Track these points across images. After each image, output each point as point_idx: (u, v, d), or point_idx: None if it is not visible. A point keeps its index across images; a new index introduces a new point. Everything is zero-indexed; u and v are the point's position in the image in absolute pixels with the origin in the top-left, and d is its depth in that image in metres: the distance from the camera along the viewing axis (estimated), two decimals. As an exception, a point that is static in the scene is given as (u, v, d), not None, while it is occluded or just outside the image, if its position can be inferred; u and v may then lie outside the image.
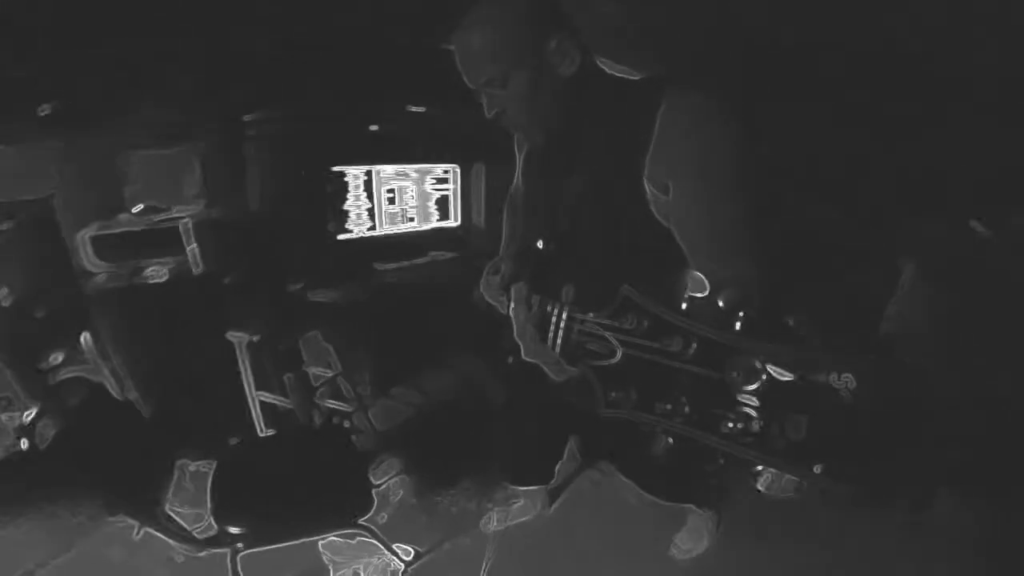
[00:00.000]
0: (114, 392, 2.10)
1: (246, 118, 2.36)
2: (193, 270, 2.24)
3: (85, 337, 2.08)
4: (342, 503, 1.61)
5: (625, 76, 0.97)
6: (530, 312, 0.77)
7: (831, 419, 0.42)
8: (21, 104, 1.90)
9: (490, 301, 1.15)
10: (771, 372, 0.45)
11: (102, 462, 1.45)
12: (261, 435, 2.35)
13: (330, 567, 1.84)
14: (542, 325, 0.74)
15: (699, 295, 0.52)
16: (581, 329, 0.67)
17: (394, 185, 2.78)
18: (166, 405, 2.17)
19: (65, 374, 2.12)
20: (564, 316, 0.70)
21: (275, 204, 2.46)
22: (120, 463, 1.47)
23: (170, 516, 1.59)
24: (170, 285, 2.19)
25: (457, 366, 2.78)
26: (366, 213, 2.71)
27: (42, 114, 1.91)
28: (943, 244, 2.06)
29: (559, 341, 0.71)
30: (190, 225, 2.20)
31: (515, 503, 2.01)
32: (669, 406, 0.52)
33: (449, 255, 2.90)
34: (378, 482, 2.24)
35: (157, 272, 2.21)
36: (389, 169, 2.72)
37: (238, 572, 1.46)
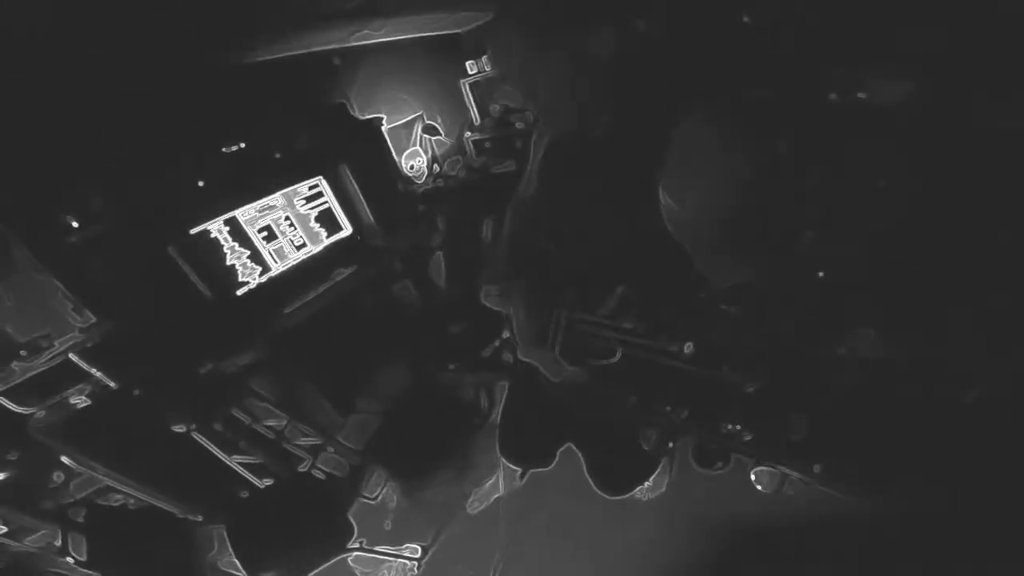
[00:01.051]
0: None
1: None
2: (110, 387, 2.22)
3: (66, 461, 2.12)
4: (330, 536, 1.80)
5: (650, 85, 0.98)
6: (529, 311, 0.75)
7: (831, 419, 0.44)
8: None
9: (495, 308, 1.21)
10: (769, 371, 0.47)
11: None
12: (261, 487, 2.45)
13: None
14: (542, 324, 0.70)
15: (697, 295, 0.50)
16: (581, 328, 0.62)
17: (266, 221, 2.69)
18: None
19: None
20: (564, 316, 0.65)
21: (151, 302, 2.37)
22: None
23: None
24: (96, 406, 2.19)
25: (401, 363, 2.89)
26: (249, 260, 2.65)
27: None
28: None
29: (559, 340, 0.64)
30: (77, 355, 2.15)
31: (487, 482, 2.18)
32: (669, 406, 0.55)
33: (348, 270, 2.89)
34: (372, 495, 2.41)
35: (79, 400, 2.19)
36: (251, 208, 2.63)
37: None
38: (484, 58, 3.51)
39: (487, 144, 3.75)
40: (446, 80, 3.64)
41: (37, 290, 2.31)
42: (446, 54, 3.52)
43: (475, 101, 3.75)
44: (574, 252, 1.01)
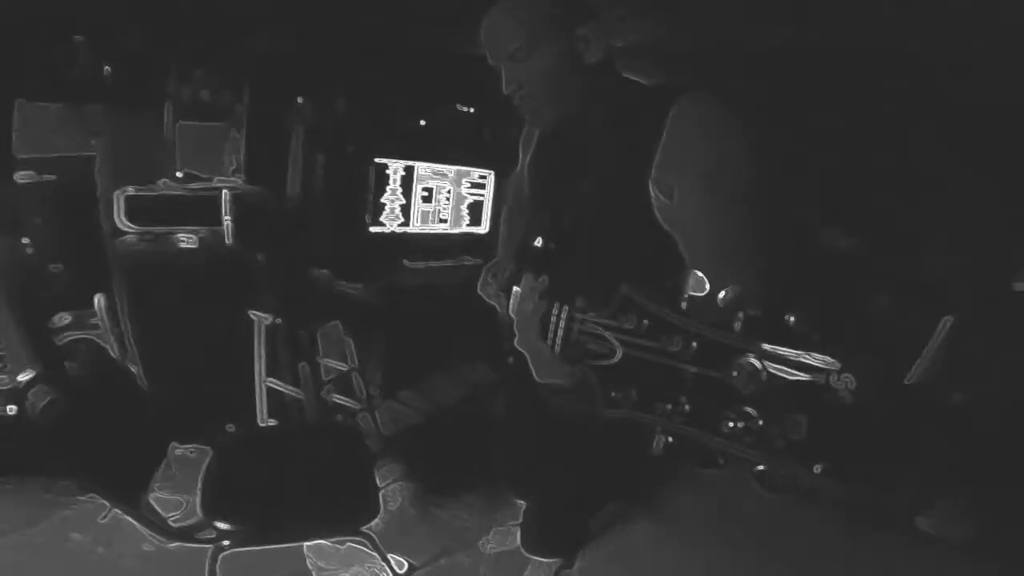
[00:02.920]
0: (114, 355, 2.04)
1: (298, 100, 2.35)
2: (224, 242, 2.21)
3: (99, 299, 2.04)
4: (348, 507, 1.49)
5: (639, 81, 0.99)
6: (536, 305, 0.76)
7: (831, 419, 0.42)
8: (70, 63, 1.89)
9: (489, 301, 1.16)
10: (771, 371, 0.45)
11: (90, 437, 1.29)
12: (261, 424, 2.27)
13: (313, 572, 1.74)
14: (543, 324, 0.74)
15: (699, 294, 0.53)
16: (581, 329, 0.67)
17: (431, 184, 2.75)
18: (169, 382, 2.10)
19: (70, 336, 2.06)
20: (564, 315, 0.70)
21: (314, 188, 2.44)
22: (110, 441, 1.32)
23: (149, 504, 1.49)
24: (198, 254, 2.16)
25: (468, 376, 2.72)
26: (400, 209, 2.68)
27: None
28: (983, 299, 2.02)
29: (559, 340, 0.70)
30: (228, 198, 2.18)
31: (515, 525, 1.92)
32: (669, 406, 0.52)
33: (477, 261, 2.86)
34: (380, 487, 2.16)
35: (188, 239, 2.18)
36: (428, 167, 2.70)
37: (215, 571, 1.31)
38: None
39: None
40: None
41: (217, 136, 2.43)
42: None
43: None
44: (574, 251, 0.97)
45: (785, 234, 0.87)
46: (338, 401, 2.42)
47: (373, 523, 1.50)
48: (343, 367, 2.38)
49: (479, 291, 1.23)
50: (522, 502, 1.78)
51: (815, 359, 0.44)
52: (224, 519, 1.33)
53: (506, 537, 1.90)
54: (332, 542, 1.81)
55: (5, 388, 1.61)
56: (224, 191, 2.17)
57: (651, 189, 0.86)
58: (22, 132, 1.89)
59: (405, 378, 2.68)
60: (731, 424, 0.47)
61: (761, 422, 0.46)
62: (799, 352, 0.45)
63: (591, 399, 0.63)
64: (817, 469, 0.43)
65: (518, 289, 0.90)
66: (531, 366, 0.81)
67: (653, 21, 1.73)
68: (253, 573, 1.62)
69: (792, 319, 0.46)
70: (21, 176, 1.92)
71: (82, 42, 1.86)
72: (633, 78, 0.99)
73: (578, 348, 0.66)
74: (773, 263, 0.79)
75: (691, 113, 0.84)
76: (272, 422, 2.30)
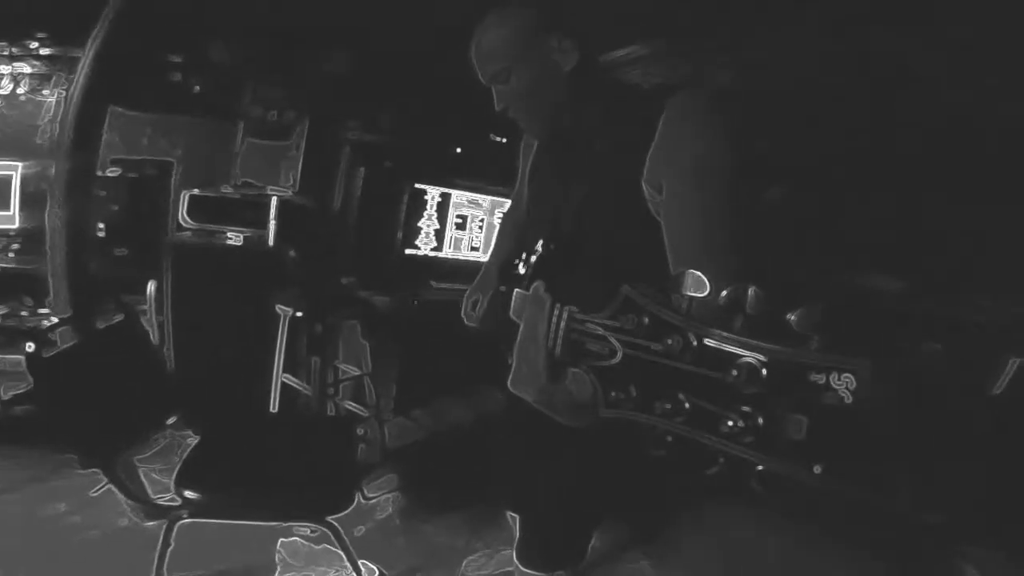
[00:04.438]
0: (153, 339, 2.21)
1: (350, 125, 2.61)
2: (267, 243, 2.41)
3: (151, 285, 2.26)
4: (318, 494, 1.46)
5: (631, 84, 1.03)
6: (542, 312, 0.74)
7: (831, 419, 0.41)
8: (160, 79, 2.25)
9: (472, 325, 1.23)
10: (771, 371, 0.45)
11: (85, 387, 1.35)
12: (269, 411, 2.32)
13: (279, 567, 1.67)
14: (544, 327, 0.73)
15: (699, 294, 0.53)
16: (581, 330, 0.66)
17: (466, 213, 2.87)
18: (192, 363, 2.23)
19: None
20: (564, 317, 0.69)
21: (356, 204, 2.63)
22: (101, 396, 1.38)
23: (134, 471, 1.50)
24: (241, 251, 2.36)
25: (480, 402, 2.65)
26: (433, 233, 2.80)
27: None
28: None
29: (559, 342, 0.69)
30: (275, 204, 2.40)
31: (504, 551, 1.76)
32: (669, 406, 0.51)
33: (505, 289, 2.88)
34: (371, 495, 2.09)
35: (235, 237, 2.39)
36: (463, 195, 2.83)
37: (170, 540, 1.31)
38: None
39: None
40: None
41: (277, 153, 2.72)
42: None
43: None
44: (573, 252, 0.97)
45: (768, 230, 0.86)
46: (349, 407, 2.44)
47: (340, 514, 1.44)
48: (355, 372, 2.41)
49: (462, 315, 1.31)
50: (515, 515, 1.67)
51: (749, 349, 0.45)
52: (191, 488, 1.34)
53: (489, 561, 1.75)
54: (305, 540, 1.75)
55: (29, 326, 1.78)
56: (274, 198, 2.40)
57: (644, 187, 0.87)
58: (114, 135, 2.24)
59: (418, 394, 2.66)
60: (730, 424, 0.47)
61: (761, 422, 0.45)
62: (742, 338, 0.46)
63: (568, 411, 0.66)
64: (817, 469, 0.42)
65: (519, 291, 0.91)
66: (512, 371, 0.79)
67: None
68: (214, 553, 1.61)
69: (792, 319, 0.45)
70: (110, 171, 2.24)
71: (177, 63, 2.22)
72: (624, 77, 1.03)
73: (578, 349, 0.65)
74: (754, 260, 0.78)
75: (680, 109, 0.86)
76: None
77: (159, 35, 2.18)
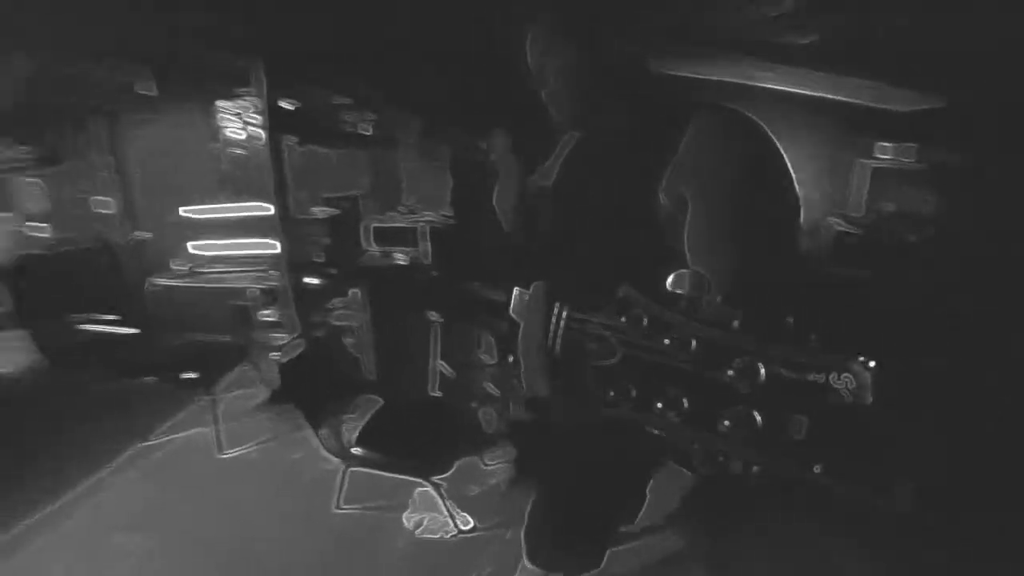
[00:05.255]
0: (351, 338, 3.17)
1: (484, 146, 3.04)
2: (424, 261, 3.12)
3: (355, 292, 3.20)
4: (424, 461, 2.22)
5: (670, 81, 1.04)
6: (543, 314, 0.76)
7: (831, 419, 0.41)
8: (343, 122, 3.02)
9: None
10: (770, 371, 0.45)
11: (304, 375, 2.31)
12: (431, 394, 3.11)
13: (409, 507, 2.37)
14: (544, 325, 0.75)
15: (699, 295, 0.53)
16: (581, 329, 0.66)
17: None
18: (376, 356, 3.15)
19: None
20: (565, 316, 0.70)
21: (501, 226, 3.12)
22: (315, 380, 2.33)
23: (338, 431, 2.39)
24: (406, 268, 3.12)
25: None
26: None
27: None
28: None
29: (559, 341, 0.70)
30: (427, 229, 3.06)
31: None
32: (667, 405, 0.52)
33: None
34: (490, 463, 2.71)
35: (403, 257, 3.16)
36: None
37: (343, 484, 2.25)
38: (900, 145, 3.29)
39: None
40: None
41: (434, 176, 3.35)
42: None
43: (868, 188, 3.56)
44: (577, 250, 0.97)
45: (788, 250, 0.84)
46: (487, 389, 3.08)
47: (443, 476, 2.25)
48: (491, 360, 3.00)
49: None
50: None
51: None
52: (361, 446, 2.21)
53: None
54: (432, 490, 2.46)
55: (282, 344, 2.84)
56: (424, 224, 3.06)
57: (660, 197, 0.87)
58: (310, 176, 3.15)
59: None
60: (728, 423, 0.46)
61: (760, 421, 0.45)
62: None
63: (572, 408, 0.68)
64: (817, 469, 0.42)
65: (519, 290, 0.91)
66: (522, 370, 0.82)
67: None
68: (368, 493, 2.42)
69: (791, 320, 0.45)
70: (319, 211, 3.18)
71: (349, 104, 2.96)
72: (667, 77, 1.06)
73: (578, 349, 0.66)
74: (772, 274, 0.79)
75: (710, 126, 0.86)
76: (438, 393, 3.13)
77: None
